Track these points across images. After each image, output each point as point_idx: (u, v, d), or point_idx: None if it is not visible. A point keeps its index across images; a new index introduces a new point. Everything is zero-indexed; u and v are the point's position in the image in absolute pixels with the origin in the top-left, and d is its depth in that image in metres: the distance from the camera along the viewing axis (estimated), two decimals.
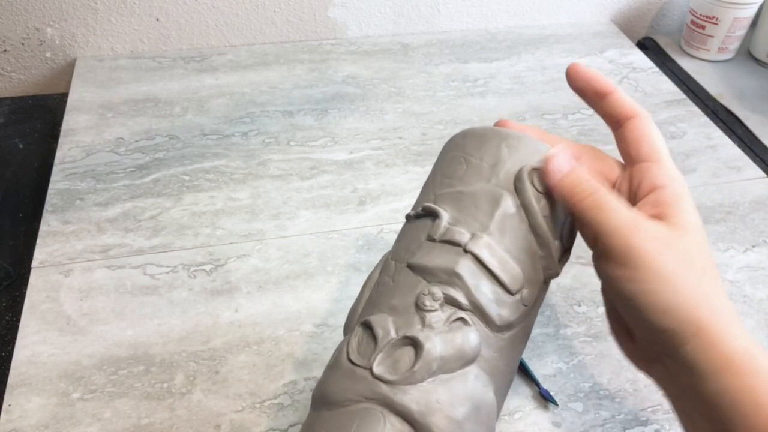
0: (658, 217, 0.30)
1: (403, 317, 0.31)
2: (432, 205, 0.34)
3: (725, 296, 0.29)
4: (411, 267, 0.33)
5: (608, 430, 0.42)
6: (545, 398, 0.43)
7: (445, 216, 0.33)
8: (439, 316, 0.31)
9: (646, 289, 0.28)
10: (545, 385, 0.43)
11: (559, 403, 0.43)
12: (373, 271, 0.36)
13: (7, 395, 0.42)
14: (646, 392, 0.44)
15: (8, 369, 0.44)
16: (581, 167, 0.32)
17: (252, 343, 0.46)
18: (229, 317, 0.47)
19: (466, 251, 0.32)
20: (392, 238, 0.54)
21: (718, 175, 0.62)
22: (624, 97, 0.34)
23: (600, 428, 0.42)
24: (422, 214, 0.34)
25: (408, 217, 0.36)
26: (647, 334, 0.29)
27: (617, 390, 0.44)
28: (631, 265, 0.28)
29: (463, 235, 0.32)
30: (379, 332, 0.31)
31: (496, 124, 0.36)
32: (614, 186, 0.34)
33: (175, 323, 0.47)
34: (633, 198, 0.32)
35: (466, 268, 0.32)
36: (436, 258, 0.32)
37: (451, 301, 0.31)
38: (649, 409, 0.43)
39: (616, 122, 0.35)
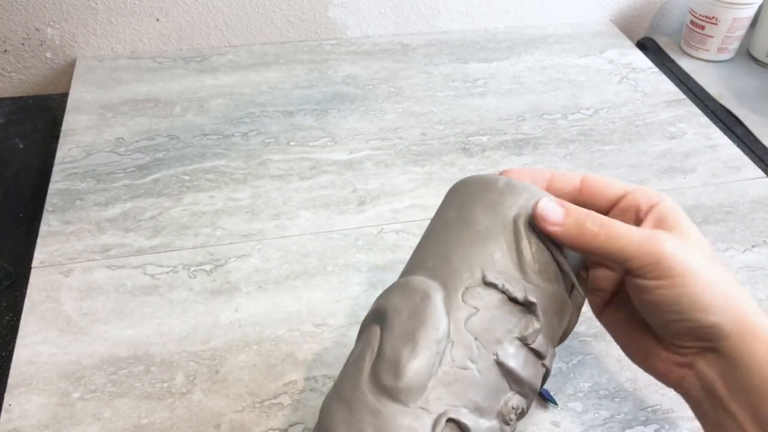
0: (663, 230, 0.31)
1: (487, 424, 0.30)
2: (532, 299, 0.31)
3: (747, 292, 0.31)
4: (500, 366, 0.31)
5: (608, 430, 0.42)
6: (545, 398, 0.43)
7: (542, 320, 0.32)
8: (510, 431, 0.31)
9: (688, 292, 0.29)
10: (545, 385, 0.43)
11: (558, 403, 0.43)
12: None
13: (7, 395, 0.42)
14: (645, 392, 0.44)
15: (8, 369, 0.44)
16: (570, 206, 0.32)
17: (252, 343, 0.46)
18: (229, 317, 0.47)
19: (544, 366, 0.32)
20: (392, 238, 0.54)
21: (717, 175, 0.62)
22: (560, 171, 0.36)
23: (600, 428, 0.42)
24: (518, 301, 0.31)
25: (491, 285, 0.31)
26: (689, 335, 0.30)
27: (617, 390, 0.44)
28: (667, 275, 0.29)
29: (547, 349, 0.32)
30: None
31: (503, 173, 0.36)
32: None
33: (175, 323, 0.47)
34: (634, 223, 0.33)
35: (541, 385, 0.32)
36: (528, 369, 0.31)
37: (520, 415, 0.32)
38: (649, 409, 0.43)
39: (575, 186, 0.35)
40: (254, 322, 0.47)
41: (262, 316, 0.48)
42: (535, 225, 0.32)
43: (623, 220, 0.33)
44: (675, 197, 0.59)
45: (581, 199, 0.34)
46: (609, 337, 0.47)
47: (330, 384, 0.43)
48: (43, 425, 0.41)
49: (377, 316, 0.33)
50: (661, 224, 0.32)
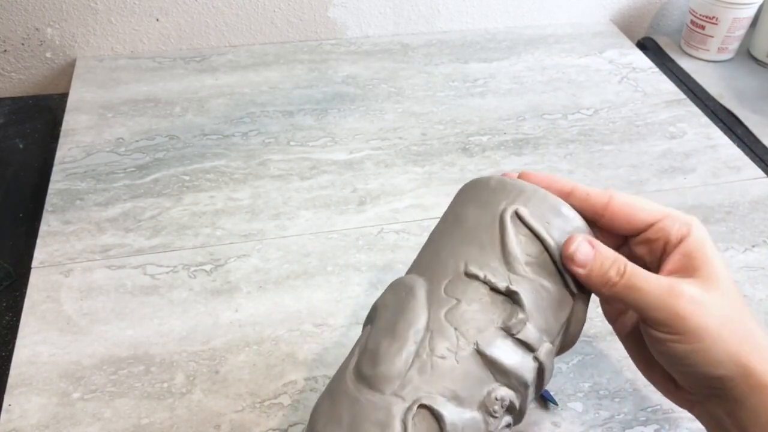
0: (688, 270, 0.31)
1: (468, 414, 0.30)
2: (514, 289, 0.31)
3: (764, 334, 0.31)
4: (481, 355, 0.30)
5: (608, 430, 0.42)
6: (545, 398, 0.43)
7: (527, 310, 0.31)
8: (498, 424, 0.31)
9: (697, 348, 0.30)
10: (545, 386, 0.43)
11: (559, 403, 0.43)
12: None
13: (7, 395, 0.42)
14: (645, 392, 0.44)
15: (8, 369, 0.44)
16: (602, 250, 0.32)
17: (252, 343, 0.46)
18: (229, 317, 0.47)
19: (536, 359, 0.32)
20: (392, 238, 0.54)
21: (717, 175, 0.62)
22: (586, 188, 0.35)
23: (600, 428, 0.42)
24: (501, 291, 0.31)
25: (473, 276, 0.32)
26: (698, 383, 0.31)
27: (617, 390, 0.44)
28: (679, 330, 0.30)
29: (539, 340, 0.32)
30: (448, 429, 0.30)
31: (520, 176, 0.35)
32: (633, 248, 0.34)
33: (175, 323, 0.47)
34: (662, 254, 0.33)
35: (532, 378, 0.32)
36: (511, 358, 0.31)
37: (510, 409, 0.32)
38: (649, 409, 0.43)
39: (597, 209, 0.34)
40: (254, 322, 0.47)
41: (262, 316, 0.48)
42: (523, 218, 0.32)
43: (650, 250, 0.33)
44: (675, 197, 0.59)
45: (603, 221, 0.34)
46: (609, 337, 0.47)
47: None
48: (43, 425, 0.41)
49: (371, 315, 0.35)
50: (686, 265, 0.32)
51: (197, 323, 0.47)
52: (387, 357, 0.30)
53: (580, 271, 0.32)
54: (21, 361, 0.44)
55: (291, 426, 0.41)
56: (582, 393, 0.43)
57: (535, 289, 0.32)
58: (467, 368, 0.30)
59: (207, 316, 0.47)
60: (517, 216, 0.32)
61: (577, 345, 0.46)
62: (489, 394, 0.31)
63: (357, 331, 0.46)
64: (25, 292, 0.49)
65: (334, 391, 0.32)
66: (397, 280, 0.35)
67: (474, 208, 0.34)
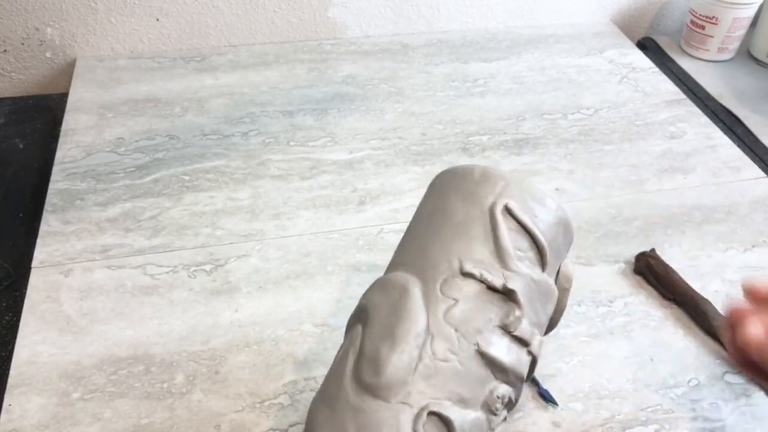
0: None
1: (472, 415, 0.30)
2: (512, 287, 0.31)
3: None
4: (482, 355, 0.31)
5: (608, 430, 0.41)
6: (545, 398, 0.43)
7: (523, 307, 0.31)
8: (498, 420, 0.31)
9: None
10: (545, 385, 0.43)
11: (559, 403, 0.43)
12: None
13: (7, 395, 0.42)
14: (645, 392, 0.44)
15: (8, 369, 0.44)
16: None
17: (252, 343, 0.46)
18: (229, 317, 0.47)
19: (530, 353, 0.32)
20: (392, 238, 0.54)
21: (718, 175, 0.62)
22: None
23: (600, 428, 0.42)
24: (497, 289, 0.31)
25: (469, 275, 0.31)
26: None
27: (617, 390, 0.44)
28: None
29: (532, 335, 0.32)
30: None
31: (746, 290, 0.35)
32: None
33: (175, 323, 0.47)
34: None
35: (527, 372, 0.32)
36: (510, 356, 0.31)
37: (508, 405, 0.32)
38: (649, 409, 0.43)
39: None
40: (254, 322, 0.47)
41: (262, 316, 0.48)
42: (512, 210, 0.32)
43: None
44: (675, 197, 0.59)
45: None
46: (609, 337, 0.47)
47: None
48: (43, 425, 0.41)
49: (359, 315, 0.33)
50: None
51: (197, 323, 0.47)
52: (389, 363, 0.30)
53: (754, 348, 0.32)
54: (21, 361, 0.44)
55: (291, 426, 0.41)
56: (582, 393, 0.43)
57: (526, 283, 0.32)
58: (470, 369, 0.30)
59: (207, 316, 0.47)
60: (507, 210, 0.32)
61: (578, 345, 0.46)
62: (491, 393, 0.31)
63: None
64: (25, 292, 0.49)
65: (331, 399, 0.31)
66: (384, 278, 0.34)
67: (459, 200, 0.33)
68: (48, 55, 0.75)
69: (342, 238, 0.54)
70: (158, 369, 0.44)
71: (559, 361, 0.45)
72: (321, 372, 0.44)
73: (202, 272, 0.51)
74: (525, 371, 0.32)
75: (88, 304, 0.48)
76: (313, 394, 0.43)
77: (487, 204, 0.33)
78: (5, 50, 0.73)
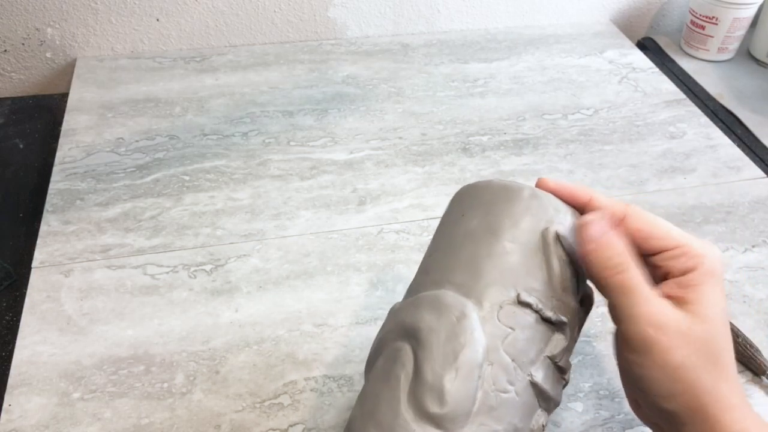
0: (681, 301, 0.30)
1: None
2: (564, 319, 0.31)
3: (734, 379, 0.30)
4: (534, 386, 0.31)
5: (608, 430, 0.42)
6: None
7: (569, 338, 0.31)
8: None
9: (652, 376, 0.29)
10: None
11: (559, 403, 0.43)
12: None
13: (7, 395, 0.42)
14: None
15: (8, 369, 0.44)
16: (616, 237, 0.31)
17: (252, 343, 0.46)
18: (229, 317, 0.47)
19: (564, 379, 0.32)
20: (392, 238, 0.54)
21: (717, 175, 0.62)
22: (603, 200, 0.34)
23: (600, 428, 0.42)
24: (550, 320, 0.31)
25: (526, 304, 0.31)
26: (652, 410, 0.31)
27: (617, 390, 0.44)
28: (642, 353, 0.30)
29: (568, 363, 0.32)
30: None
31: (538, 184, 0.35)
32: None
33: (175, 323, 0.47)
34: (662, 280, 0.32)
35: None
36: (554, 386, 0.31)
37: (543, 429, 0.32)
38: None
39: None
40: (254, 322, 0.47)
41: (262, 316, 0.48)
42: (562, 238, 0.32)
43: (652, 272, 0.32)
44: (675, 197, 0.59)
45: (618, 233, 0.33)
46: (609, 337, 0.47)
47: (330, 384, 0.43)
48: (43, 425, 0.41)
49: (408, 334, 0.32)
50: (682, 293, 0.30)
51: (197, 323, 0.47)
52: (454, 394, 0.29)
53: (587, 245, 0.31)
54: (21, 361, 0.44)
55: (291, 426, 0.41)
56: (582, 393, 0.43)
57: (570, 313, 0.32)
58: (524, 400, 0.30)
59: (207, 316, 0.47)
60: (558, 238, 0.32)
61: (578, 345, 0.46)
62: (537, 421, 0.31)
63: (357, 331, 0.47)
64: (25, 292, 0.49)
65: (387, 426, 0.30)
66: (434, 298, 0.32)
67: (510, 221, 0.32)
68: (48, 55, 0.75)
69: (342, 238, 0.54)
70: (158, 369, 0.44)
71: None
72: (321, 372, 0.44)
73: (202, 272, 0.51)
74: (561, 397, 0.32)
75: (89, 304, 0.48)
76: (314, 394, 0.43)
77: (539, 229, 0.32)
78: (5, 50, 0.73)
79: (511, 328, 0.30)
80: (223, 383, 0.43)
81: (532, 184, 0.35)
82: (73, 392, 0.42)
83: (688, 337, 0.29)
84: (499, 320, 0.31)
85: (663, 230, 0.32)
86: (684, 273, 0.31)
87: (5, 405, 0.42)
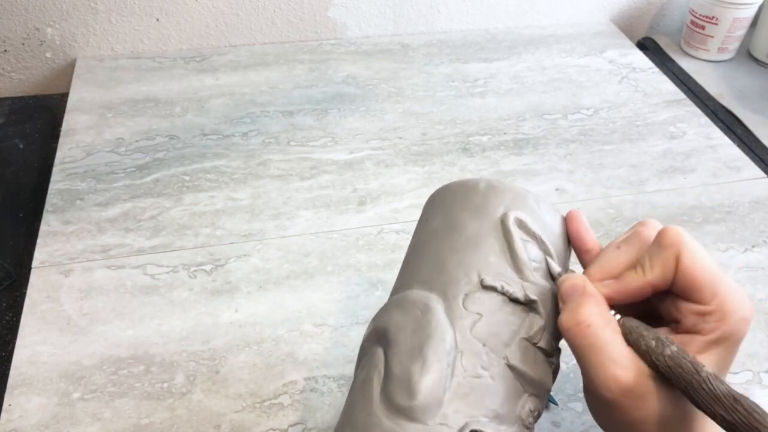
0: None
1: (509, 431, 0.30)
2: (533, 297, 0.31)
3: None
4: (512, 369, 0.30)
5: None
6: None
7: (544, 317, 0.31)
8: None
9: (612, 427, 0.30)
10: None
11: (559, 403, 0.43)
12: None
13: (7, 395, 0.42)
14: None
15: (8, 369, 0.44)
16: (595, 304, 0.30)
17: (252, 343, 0.46)
18: (229, 317, 0.47)
19: (552, 364, 0.32)
20: (392, 238, 0.54)
21: (717, 175, 0.62)
22: (605, 258, 0.32)
23: (600, 428, 0.42)
24: (520, 301, 0.31)
25: (490, 287, 0.31)
26: None
27: None
28: (603, 413, 0.30)
29: (553, 346, 0.32)
30: None
31: (568, 215, 0.35)
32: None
33: (175, 323, 0.47)
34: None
35: (551, 382, 0.32)
36: (538, 368, 0.31)
37: (537, 417, 0.31)
38: None
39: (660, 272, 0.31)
40: (254, 322, 0.47)
41: (262, 316, 0.48)
42: (523, 221, 0.32)
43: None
44: (675, 197, 0.59)
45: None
46: None
47: (330, 384, 0.43)
48: (43, 425, 0.41)
49: (379, 337, 0.32)
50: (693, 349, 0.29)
51: (197, 323, 0.47)
52: (424, 384, 0.29)
53: (560, 301, 0.31)
54: (21, 361, 0.44)
55: (291, 426, 0.41)
56: (582, 393, 0.43)
57: (544, 294, 0.32)
58: (502, 384, 0.30)
59: (207, 316, 0.47)
60: (518, 221, 0.32)
61: None
62: (523, 406, 0.30)
63: (357, 331, 0.47)
64: (25, 292, 0.49)
65: (363, 426, 0.29)
66: (401, 297, 0.33)
67: (468, 214, 0.33)
68: (48, 55, 0.75)
69: (342, 238, 0.54)
70: (158, 369, 0.44)
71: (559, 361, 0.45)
72: (321, 372, 0.44)
73: (202, 272, 0.51)
74: (551, 382, 0.32)
75: (89, 304, 0.48)
76: (314, 394, 0.43)
77: (497, 216, 0.32)
78: (5, 50, 0.73)
79: (478, 313, 0.30)
80: (223, 383, 0.43)
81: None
82: (73, 392, 0.42)
83: (649, 401, 0.28)
84: (465, 308, 0.30)
85: (707, 282, 0.29)
86: (701, 333, 0.29)
87: (5, 405, 0.42)
